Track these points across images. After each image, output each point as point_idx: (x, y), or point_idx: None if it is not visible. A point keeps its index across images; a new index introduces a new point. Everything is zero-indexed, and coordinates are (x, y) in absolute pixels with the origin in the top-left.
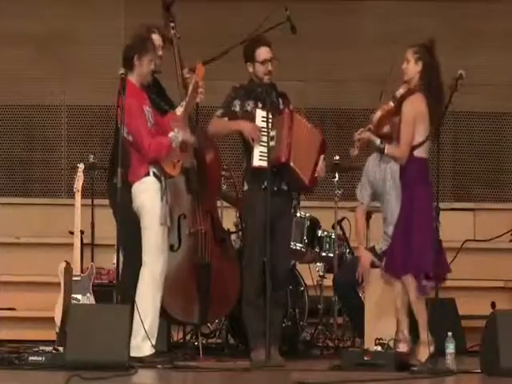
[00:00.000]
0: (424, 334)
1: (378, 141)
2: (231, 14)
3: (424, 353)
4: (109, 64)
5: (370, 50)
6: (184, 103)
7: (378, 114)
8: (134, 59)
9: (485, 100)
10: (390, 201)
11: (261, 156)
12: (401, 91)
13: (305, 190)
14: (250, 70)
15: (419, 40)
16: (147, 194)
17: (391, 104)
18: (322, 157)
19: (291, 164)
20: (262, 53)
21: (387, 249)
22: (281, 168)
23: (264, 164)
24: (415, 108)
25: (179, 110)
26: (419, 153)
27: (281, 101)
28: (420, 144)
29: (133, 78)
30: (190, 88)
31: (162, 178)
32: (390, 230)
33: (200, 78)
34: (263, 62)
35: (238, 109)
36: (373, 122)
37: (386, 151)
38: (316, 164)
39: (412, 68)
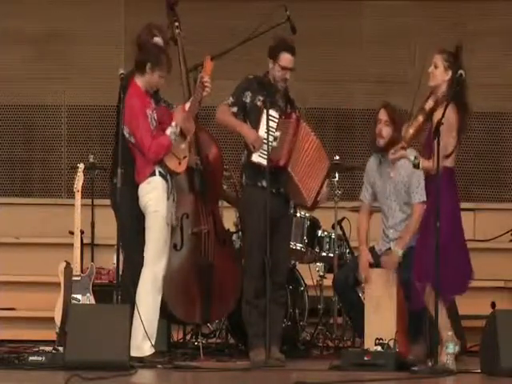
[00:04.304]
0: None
1: (412, 157)
2: (231, 14)
3: (444, 353)
4: (109, 64)
5: (370, 50)
6: (193, 97)
7: (411, 131)
8: (147, 67)
9: (485, 100)
10: (390, 205)
11: (261, 153)
12: (430, 103)
13: (305, 207)
14: (270, 66)
15: (420, 40)
16: (153, 193)
17: (421, 119)
18: (326, 181)
19: (289, 169)
20: (286, 59)
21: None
22: (280, 172)
23: (262, 161)
24: (447, 119)
25: (188, 105)
26: (448, 163)
27: (289, 106)
28: (449, 154)
29: (139, 81)
30: (198, 81)
31: (168, 177)
32: (391, 232)
33: (207, 73)
34: (283, 68)
35: (248, 100)
36: (406, 140)
37: (421, 166)
38: (321, 187)
39: (440, 75)
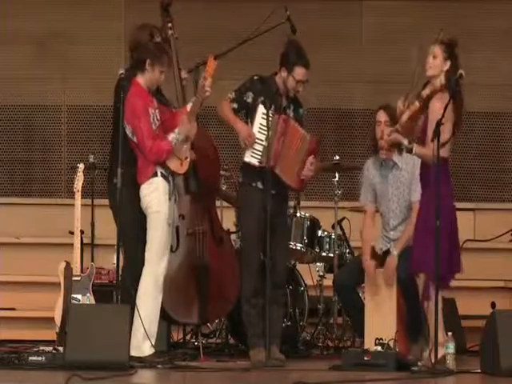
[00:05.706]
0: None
1: (405, 141)
2: (231, 14)
3: (440, 352)
4: (109, 64)
5: (370, 50)
6: (194, 98)
7: (406, 115)
8: (147, 63)
9: (485, 100)
10: (391, 207)
11: (253, 153)
12: (427, 91)
13: (294, 191)
14: (283, 74)
15: (420, 40)
16: (155, 194)
17: (417, 104)
18: (310, 158)
19: (276, 171)
20: (301, 73)
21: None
22: (273, 172)
23: (254, 161)
24: (443, 107)
25: (189, 106)
26: (442, 152)
27: (292, 106)
28: (444, 143)
29: (141, 80)
30: (200, 82)
31: (170, 178)
32: (392, 234)
33: (210, 73)
34: (298, 81)
35: (250, 100)
36: (401, 124)
37: (414, 151)
38: (302, 167)
39: (439, 65)
